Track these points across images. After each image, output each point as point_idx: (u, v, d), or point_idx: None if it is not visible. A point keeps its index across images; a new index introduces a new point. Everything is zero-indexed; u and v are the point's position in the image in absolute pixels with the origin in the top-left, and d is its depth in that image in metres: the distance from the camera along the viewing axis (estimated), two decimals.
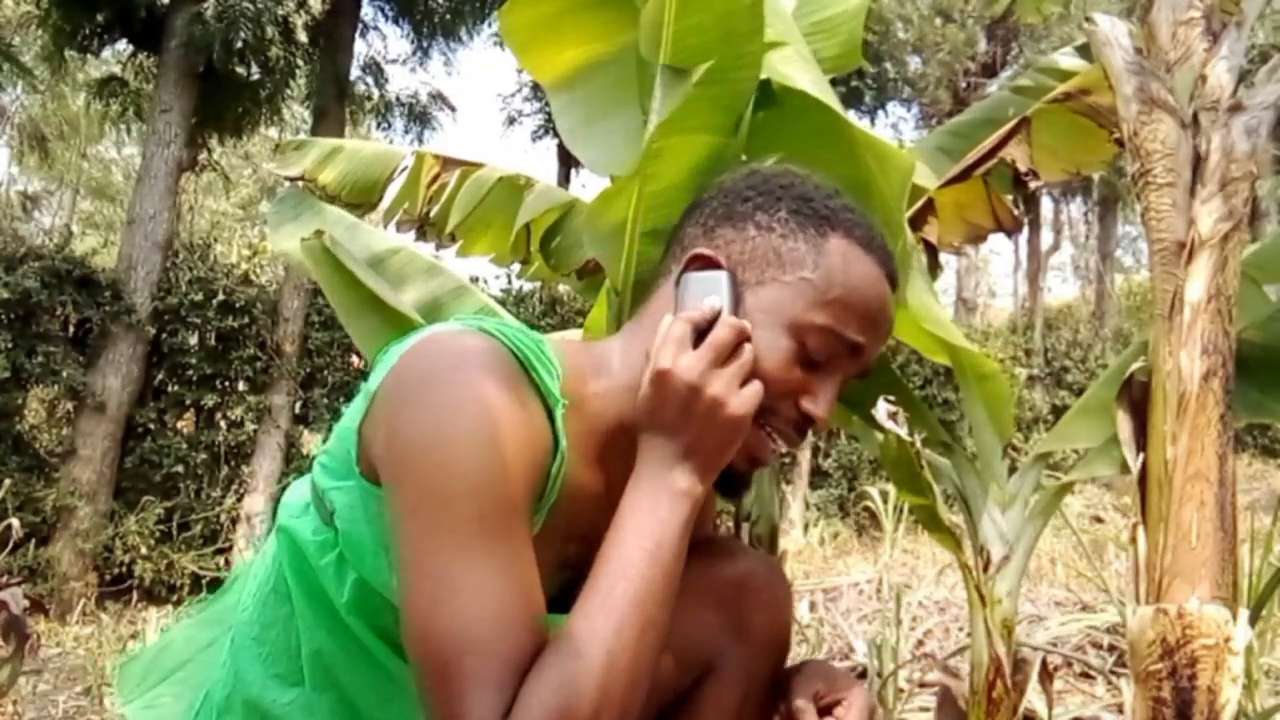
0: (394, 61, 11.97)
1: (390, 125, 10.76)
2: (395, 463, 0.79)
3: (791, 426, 0.89)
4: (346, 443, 0.87)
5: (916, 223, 2.02)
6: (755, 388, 0.83)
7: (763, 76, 1.44)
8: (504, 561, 0.74)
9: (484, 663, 0.70)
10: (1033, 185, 1.97)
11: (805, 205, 0.92)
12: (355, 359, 8.13)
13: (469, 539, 0.74)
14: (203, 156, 8.83)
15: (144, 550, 7.02)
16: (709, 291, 0.87)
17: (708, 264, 0.90)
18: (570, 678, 0.70)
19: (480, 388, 0.78)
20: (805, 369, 0.88)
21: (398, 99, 10.71)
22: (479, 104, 37.67)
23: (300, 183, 2.36)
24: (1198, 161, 1.29)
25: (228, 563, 7.24)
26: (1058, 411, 10.67)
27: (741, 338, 0.83)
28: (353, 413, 0.88)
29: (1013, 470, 1.74)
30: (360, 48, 9.77)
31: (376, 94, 10.51)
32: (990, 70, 14.13)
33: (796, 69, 1.40)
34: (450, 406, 0.77)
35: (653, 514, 0.79)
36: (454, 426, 0.77)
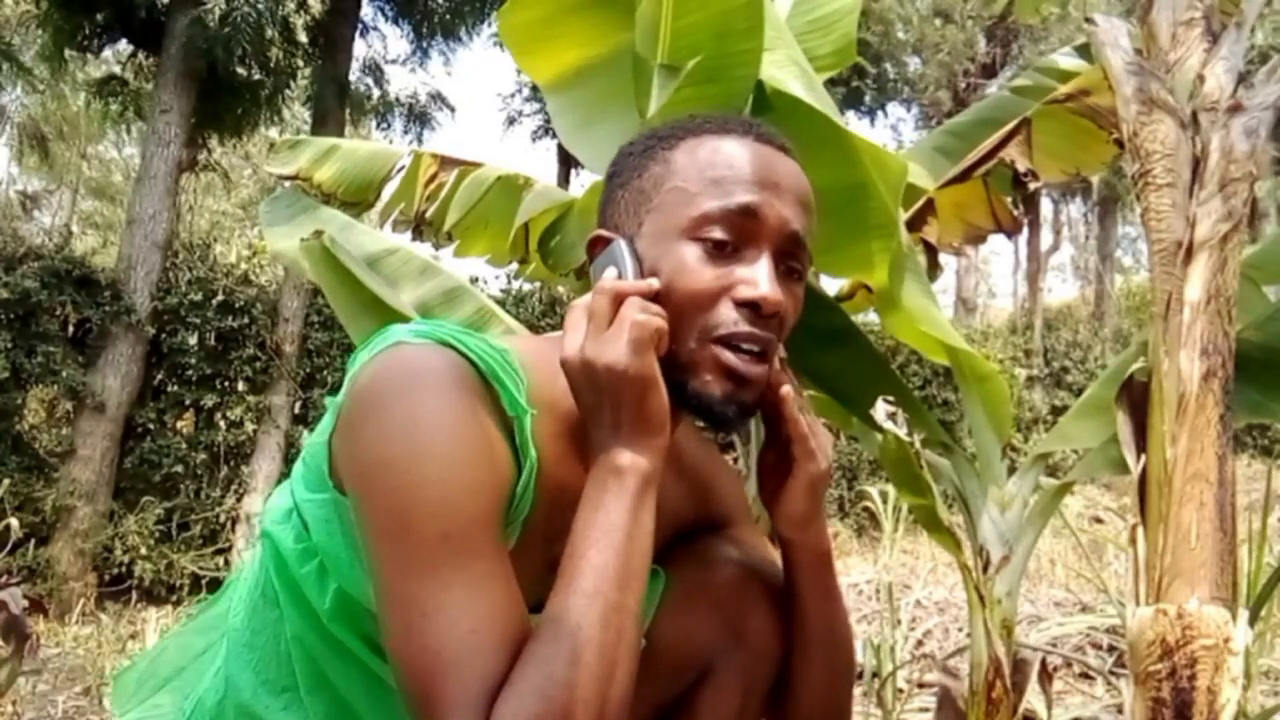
0: (394, 62, 11.99)
1: (390, 125, 10.78)
2: (356, 483, 0.79)
3: (746, 324, 0.85)
4: (318, 457, 0.87)
5: (916, 223, 2.02)
6: (640, 329, 0.80)
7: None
8: (473, 579, 0.74)
9: (458, 684, 0.70)
10: (1032, 186, 1.97)
11: (648, 140, 0.94)
12: None
13: (435, 560, 0.74)
14: (202, 156, 8.83)
15: (143, 550, 7.02)
16: (610, 265, 0.88)
17: (607, 243, 0.91)
18: (540, 682, 0.70)
19: (436, 405, 0.78)
20: (722, 263, 0.86)
21: (397, 99, 10.72)
22: (479, 104, 37.71)
23: (295, 181, 2.35)
24: (1197, 162, 1.29)
25: (227, 563, 7.23)
26: (1057, 412, 10.67)
27: (621, 297, 0.83)
28: (323, 426, 0.87)
29: (1012, 471, 1.73)
30: (360, 48, 9.79)
31: (376, 94, 10.51)
32: (990, 71, 14.13)
33: (788, 73, 1.40)
34: (406, 426, 0.77)
35: (597, 502, 0.79)
36: (410, 446, 0.76)
